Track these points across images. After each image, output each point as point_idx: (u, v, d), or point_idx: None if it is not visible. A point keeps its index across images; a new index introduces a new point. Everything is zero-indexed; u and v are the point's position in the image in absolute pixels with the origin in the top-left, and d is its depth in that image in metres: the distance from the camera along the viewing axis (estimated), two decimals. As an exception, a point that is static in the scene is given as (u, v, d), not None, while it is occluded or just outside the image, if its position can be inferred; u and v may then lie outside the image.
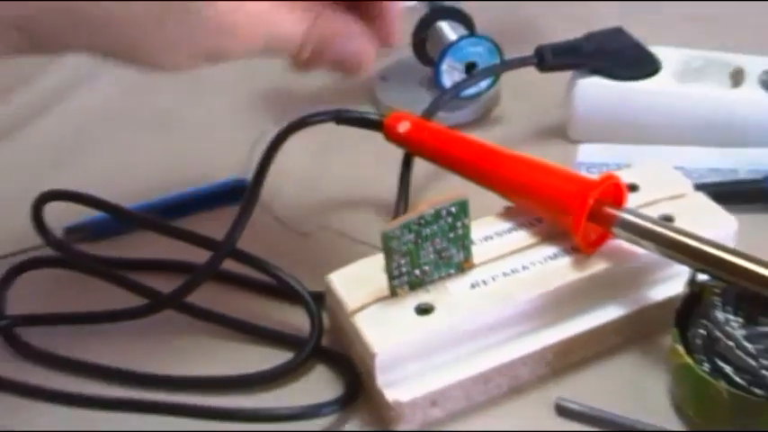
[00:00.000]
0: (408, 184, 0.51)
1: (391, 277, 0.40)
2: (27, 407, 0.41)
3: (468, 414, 0.41)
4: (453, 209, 0.40)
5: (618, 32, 0.58)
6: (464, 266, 0.41)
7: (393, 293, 0.40)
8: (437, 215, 0.39)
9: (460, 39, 0.59)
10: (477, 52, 0.59)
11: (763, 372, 0.36)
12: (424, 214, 0.39)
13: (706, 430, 0.39)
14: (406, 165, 0.50)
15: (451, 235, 0.40)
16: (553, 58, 0.56)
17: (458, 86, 0.57)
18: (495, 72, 0.59)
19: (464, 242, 0.41)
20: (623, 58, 0.56)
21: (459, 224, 0.40)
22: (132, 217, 0.50)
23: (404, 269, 0.40)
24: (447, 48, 0.58)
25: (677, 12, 0.69)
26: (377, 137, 0.50)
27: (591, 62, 0.56)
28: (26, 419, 0.41)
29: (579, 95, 0.56)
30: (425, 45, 0.63)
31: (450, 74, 0.59)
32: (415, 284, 0.40)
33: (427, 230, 0.39)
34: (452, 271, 0.41)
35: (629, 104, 0.56)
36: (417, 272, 0.40)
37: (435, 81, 0.59)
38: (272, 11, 0.36)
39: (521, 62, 0.57)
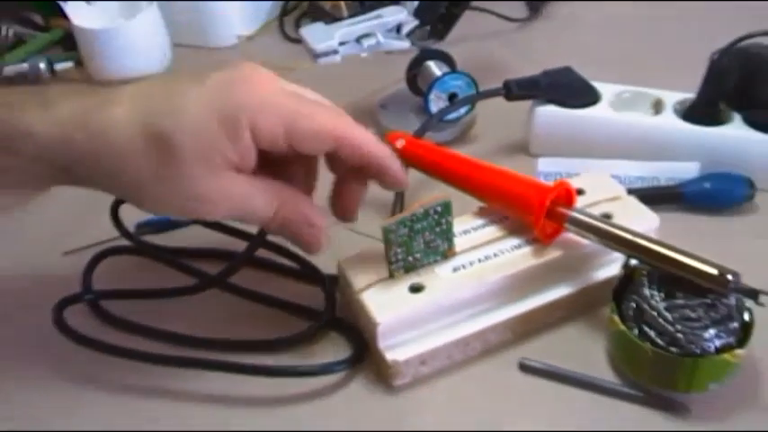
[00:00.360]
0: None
1: (390, 263, 0.39)
2: (108, 361, 0.41)
3: (450, 371, 0.40)
4: (439, 208, 0.39)
5: (568, 71, 0.57)
6: (448, 254, 0.41)
7: (391, 275, 0.40)
8: (426, 213, 0.39)
9: (444, 74, 0.58)
10: (458, 85, 0.59)
11: (678, 335, 0.36)
12: (415, 212, 0.39)
13: (634, 381, 0.39)
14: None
15: (438, 229, 0.40)
16: (518, 89, 0.56)
17: (442, 112, 0.57)
18: (471, 101, 0.58)
19: (448, 235, 0.40)
20: (572, 90, 0.56)
21: (443, 220, 0.40)
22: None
23: (400, 256, 0.40)
24: (434, 81, 0.58)
25: (612, 55, 0.68)
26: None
27: (547, 93, 0.56)
28: (106, 371, 0.41)
29: (537, 120, 0.56)
30: (417, 79, 0.62)
31: (437, 102, 0.59)
32: (409, 269, 0.40)
33: (418, 225, 0.39)
34: (438, 258, 0.41)
35: (576, 127, 0.55)
36: (410, 258, 0.40)
37: (425, 108, 0.59)
38: (246, 194, 0.35)
39: (492, 93, 0.56)
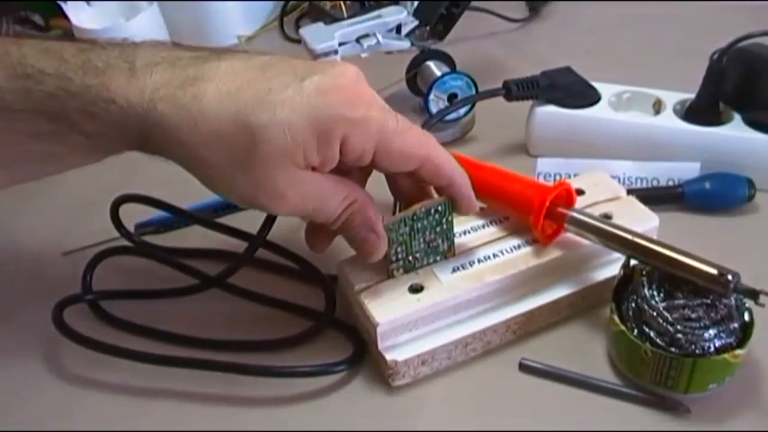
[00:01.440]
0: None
1: (390, 262, 0.39)
2: (108, 361, 0.41)
3: (450, 371, 0.40)
4: (440, 207, 0.39)
5: (567, 71, 0.57)
6: (447, 254, 0.41)
7: (390, 275, 0.40)
8: (427, 212, 0.39)
9: (444, 75, 0.58)
10: (458, 85, 0.59)
11: (678, 335, 0.36)
12: (416, 211, 0.39)
13: (634, 381, 0.39)
14: None
15: (438, 229, 0.40)
16: (517, 90, 0.55)
17: (442, 113, 0.57)
18: (471, 101, 0.58)
19: (448, 235, 0.40)
20: (572, 91, 0.56)
21: (444, 220, 0.40)
22: (187, 215, 0.50)
23: (400, 255, 0.39)
24: (433, 82, 0.58)
25: (612, 55, 0.68)
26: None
27: (546, 94, 0.56)
28: (105, 372, 0.41)
29: (537, 120, 0.56)
30: (416, 80, 0.62)
31: (436, 102, 0.59)
32: (408, 268, 0.40)
33: (419, 224, 0.39)
34: (438, 258, 0.41)
35: (576, 127, 0.55)
36: (410, 258, 0.40)
37: (424, 108, 0.59)
38: (319, 194, 0.35)
39: (492, 93, 0.56)
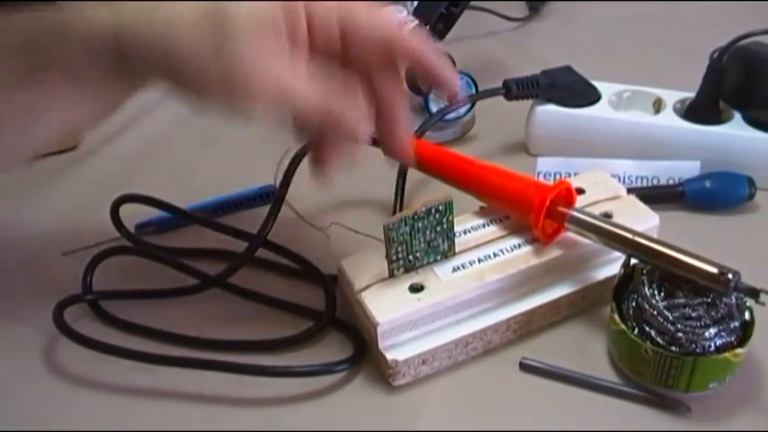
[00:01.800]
0: (403, 189, 0.50)
1: (390, 261, 0.39)
2: (108, 361, 0.41)
3: (451, 370, 0.40)
4: (441, 207, 0.39)
5: (567, 70, 0.57)
6: (448, 254, 0.41)
7: (391, 275, 0.40)
8: (428, 212, 0.39)
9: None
10: (459, 85, 0.59)
11: (679, 334, 0.36)
12: (417, 211, 0.39)
13: (634, 380, 0.39)
14: (402, 174, 0.50)
15: (439, 228, 0.40)
16: (517, 89, 0.56)
17: (441, 112, 0.57)
18: (471, 100, 0.58)
19: (448, 234, 0.40)
20: (572, 90, 0.56)
21: (445, 220, 0.40)
22: (187, 215, 0.50)
23: (400, 255, 0.39)
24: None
25: (613, 54, 0.69)
26: (378, 151, 0.49)
27: (546, 93, 0.56)
28: (106, 371, 0.41)
29: (537, 119, 0.56)
30: (416, 79, 0.62)
31: (437, 102, 0.59)
32: (409, 268, 0.40)
33: (420, 224, 0.39)
34: (438, 257, 0.41)
35: (576, 127, 0.55)
36: (411, 257, 0.40)
37: (424, 107, 0.59)
38: (291, 78, 0.33)
39: (492, 92, 0.56)
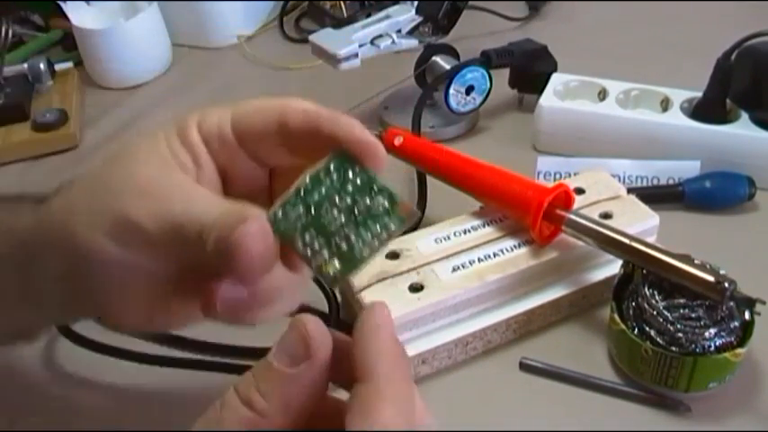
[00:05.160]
0: (425, 193, 0.52)
1: (307, 259, 0.28)
2: (108, 361, 0.42)
3: (451, 370, 0.41)
4: (332, 165, 0.29)
5: (528, 41, 0.64)
6: (400, 212, 0.28)
7: (321, 272, 0.28)
8: (316, 179, 0.29)
9: (462, 67, 0.59)
10: (475, 77, 0.60)
11: (679, 334, 0.37)
12: (299, 185, 0.28)
13: (634, 380, 0.39)
14: (421, 179, 0.52)
15: (350, 188, 0.29)
16: (497, 59, 0.60)
17: (421, 102, 0.59)
18: (449, 74, 0.59)
19: (373, 188, 0.28)
20: (535, 57, 0.62)
21: (350, 175, 0.29)
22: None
23: (316, 244, 0.28)
24: (453, 76, 0.59)
25: (613, 54, 0.69)
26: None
27: (520, 61, 0.62)
28: (106, 372, 0.42)
29: (543, 116, 0.57)
30: (425, 75, 0.64)
31: (456, 96, 0.60)
32: (346, 257, 0.28)
33: (315, 197, 0.28)
34: (389, 222, 0.28)
35: (583, 124, 0.56)
36: (337, 240, 0.28)
37: (445, 103, 0.59)
38: (188, 192, 0.29)
39: (473, 62, 0.59)
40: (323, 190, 0.28)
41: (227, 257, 0.26)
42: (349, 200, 0.28)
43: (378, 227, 0.28)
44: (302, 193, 0.28)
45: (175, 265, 0.30)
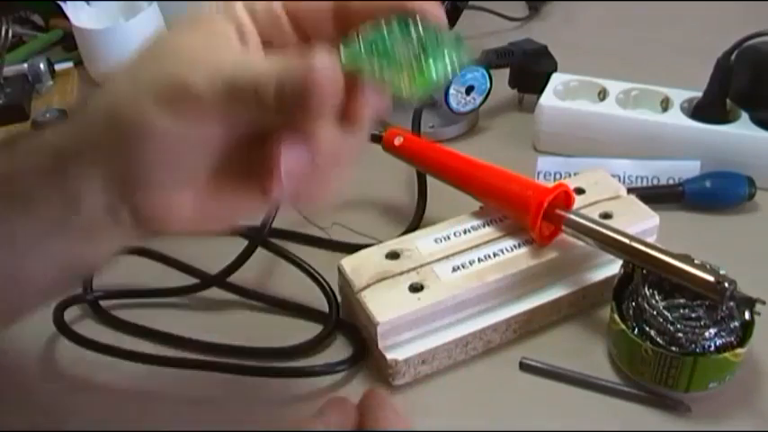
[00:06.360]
0: (425, 192, 0.51)
1: (380, 77, 0.27)
2: (108, 361, 0.42)
3: (451, 370, 0.41)
4: (392, 19, 0.28)
5: (529, 41, 0.64)
6: (465, 50, 0.28)
7: (394, 89, 0.28)
8: (377, 27, 0.28)
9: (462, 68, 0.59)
10: (475, 77, 0.60)
11: (679, 334, 0.37)
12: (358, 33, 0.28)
13: (634, 380, 0.40)
14: (421, 180, 0.51)
15: (413, 32, 0.28)
16: (497, 59, 0.61)
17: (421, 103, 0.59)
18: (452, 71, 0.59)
19: (437, 31, 0.28)
20: (535, 57, 0.63)
21: (411, 27, 0.28)
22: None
23: (386, 70, 0.27)
24: (453, 76, 0.59)
25: (613, 54, 0.69)
26: (379, 151, 0.50)
27: (520, 60, 0.62)
28: (106, 372, 0.42)
29: (543, 116, 0.57)
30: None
31: (456, 96, 0.60)
32: (419, 78, 0.27)
33: (376, 37, 0.28)
34: (459, 54, 0.28)
35: (583, 124, 0.56)
36: (410, 62, 0.28)
37: (444, 103, 0.59)
38: (241, 58, 0.29)
39: (473, 62, 0.60)
40: (384, 33, 0.28)
41: (294, 100, 0.26)
42: (415, 37, 0.28)
43: (447, 56, 0.28)
44: (362, 38, 0.28)
45: (228, 139, 0.29)
